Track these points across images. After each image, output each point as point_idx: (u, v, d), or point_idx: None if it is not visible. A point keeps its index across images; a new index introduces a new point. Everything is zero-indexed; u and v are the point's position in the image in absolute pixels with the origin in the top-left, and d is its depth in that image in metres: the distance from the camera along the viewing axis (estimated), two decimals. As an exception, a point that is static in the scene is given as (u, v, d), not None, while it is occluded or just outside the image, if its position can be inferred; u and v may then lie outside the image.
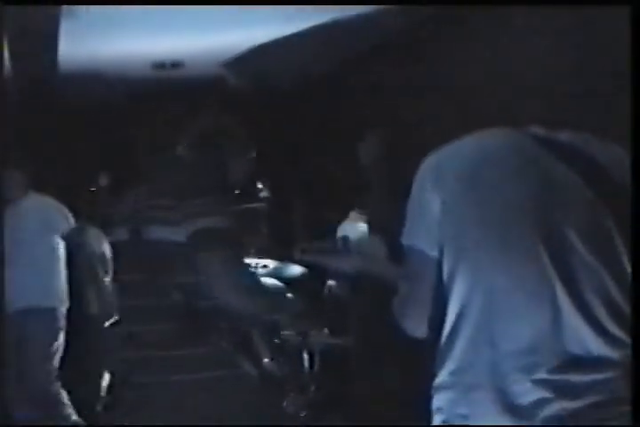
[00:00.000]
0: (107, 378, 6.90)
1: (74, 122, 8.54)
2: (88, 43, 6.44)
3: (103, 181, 8.06)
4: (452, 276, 2.02)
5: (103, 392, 6.85)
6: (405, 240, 2.09)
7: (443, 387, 2.06)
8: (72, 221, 6.60)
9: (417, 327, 2.12)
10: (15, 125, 6.93)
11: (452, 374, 2.04)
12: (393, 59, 6.69)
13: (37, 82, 7.44)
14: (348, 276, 2.87)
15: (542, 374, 1.95)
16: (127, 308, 3.17)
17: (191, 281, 2.91)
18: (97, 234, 7.10)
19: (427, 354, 2.15)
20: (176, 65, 7.44)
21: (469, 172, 2.04)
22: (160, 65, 7.41)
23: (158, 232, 2.95)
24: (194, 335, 2.94)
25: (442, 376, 2.07)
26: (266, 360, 3.19)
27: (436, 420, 2.08)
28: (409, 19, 6.05)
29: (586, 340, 1.95)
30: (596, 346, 1.96)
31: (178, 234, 2.90)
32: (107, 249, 7.03)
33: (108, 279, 6.99)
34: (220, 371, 2.96)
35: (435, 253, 2.04)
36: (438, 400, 2.08)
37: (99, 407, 6.70)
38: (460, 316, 2.01)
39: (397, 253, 2.17)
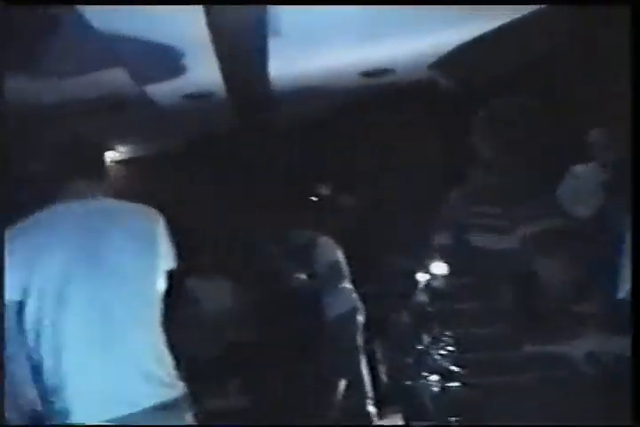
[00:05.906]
0: (342, 385, 7.00)
1: (287, 136, 8.74)
2: (295, 58, 6.59)
3: (324, 190, 8.21)
4: None
5: (339, 397, 6.97)
6: None
7: None
8: None
9: None
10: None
11: None
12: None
13: (252, 101, 7.65)
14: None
15: None
16: (455, 312, 3.19)
17: (521, 284, 2.92)
18: (328, 242, 7.26)
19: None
20: (385, 71, 7.47)
21: None
22: (368, 73, 7.46)
23: (484, 239, 2.97)
24: (527, 336, 2.93)
25: None
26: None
27: None
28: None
29: None
30: None
31: (506, 241, 2.91)
32: (340, 256, 7.17)
33: (345, 285, 7.14)
34: (554, 371, 2.93)
35: None
36: None
37: (334, 414, 6.81)
38: None
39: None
